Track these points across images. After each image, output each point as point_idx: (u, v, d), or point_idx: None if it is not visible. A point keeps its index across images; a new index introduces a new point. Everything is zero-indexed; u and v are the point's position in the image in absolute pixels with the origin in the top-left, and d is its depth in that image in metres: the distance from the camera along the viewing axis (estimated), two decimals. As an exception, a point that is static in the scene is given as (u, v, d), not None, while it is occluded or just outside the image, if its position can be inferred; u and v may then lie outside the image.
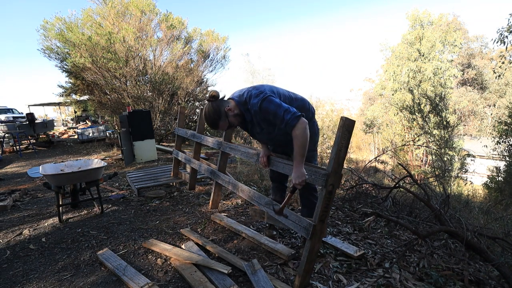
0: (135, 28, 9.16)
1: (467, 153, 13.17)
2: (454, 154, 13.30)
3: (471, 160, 13.14)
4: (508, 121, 9.01)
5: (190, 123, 12.25)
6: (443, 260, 2.24)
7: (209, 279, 1.91)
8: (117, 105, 9.81)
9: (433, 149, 11.46)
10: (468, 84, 25.81)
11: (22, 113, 16.01)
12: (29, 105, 19.33)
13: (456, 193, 7.28)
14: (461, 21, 24.80)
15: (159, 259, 2.25)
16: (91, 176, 3.22)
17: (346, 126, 1.59)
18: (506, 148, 9.02)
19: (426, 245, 2.38)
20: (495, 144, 9.48)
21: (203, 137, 3.53)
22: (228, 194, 3.93)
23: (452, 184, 9.66)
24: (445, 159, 12.25)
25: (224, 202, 3.62)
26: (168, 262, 2.19)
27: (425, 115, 13.48)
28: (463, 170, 13.17)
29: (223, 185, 3.03)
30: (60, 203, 3.13)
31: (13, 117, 13.61)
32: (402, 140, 14.66)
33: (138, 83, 9.61)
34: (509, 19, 7.83)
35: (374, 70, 49.57)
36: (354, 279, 1.96)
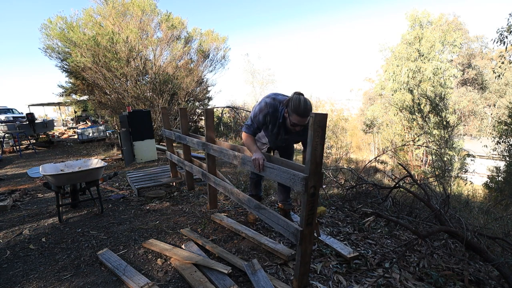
0: (136, 28, 9.17)
1: (467, 153, 13.16)
2: (454, 154, 13.28)
3: (471, 160, 13.13)
4: (508, 121, 9.01)
5: (190, 123, 12.25)
6: (443, 260, 2.24)
7: (209, 279, 1.91)
8: (117, 105, 9.80)
9: (433, 149, 11.46)
10: (468, 84, 25.81)
11: (22, 113, 15.98)
12: (29, 105, 19.30)
13: (456, 193, 7.28)
14: (461, 21, 24.83)
15: (159, 259, 2.25)
16: (91, 176, 3.22)
17: (318, 122, 1.47)
18: (506, 148, 9.01)
19: (426, 245, 2.38)
20: (495, 144, 9.47)
21: (187, 139, 3.45)
22: (228, 194, 3.93)
23: (452, 184, 9.65)
24: (445, 159, 12.24)
25: (224, 202, 3.62)
26: (168, 262, 2.19)
27: (425, 115, 13.48)
28: (463, 170, 13.16)
29: (214, 187, 2.99)
30: (60, 203, 3.13)
31: (13, 117, 13.59)
32: (402, 140, 14.64)
33: (138, 83, 9.62)
34: (508, 19, 7.83)
35: (374, 70, 49.58)
36: (354, 279, 1.96)
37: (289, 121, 2.06)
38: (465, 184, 10.21)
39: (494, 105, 25.03)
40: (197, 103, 12.92)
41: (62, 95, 12.65)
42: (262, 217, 2.08)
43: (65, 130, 16.28)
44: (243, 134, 2.24)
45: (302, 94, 2.04)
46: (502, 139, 9.10)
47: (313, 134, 1.48)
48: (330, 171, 4.80)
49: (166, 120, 4.27)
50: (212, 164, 3.11)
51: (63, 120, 21.45)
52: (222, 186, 2.77)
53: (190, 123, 12.26)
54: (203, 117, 13.83)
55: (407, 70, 15.57)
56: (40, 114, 23.10)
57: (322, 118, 1.48)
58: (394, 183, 3.33)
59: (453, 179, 10.61)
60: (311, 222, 1.65)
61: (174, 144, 4.58)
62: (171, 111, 9.97)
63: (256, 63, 46.11)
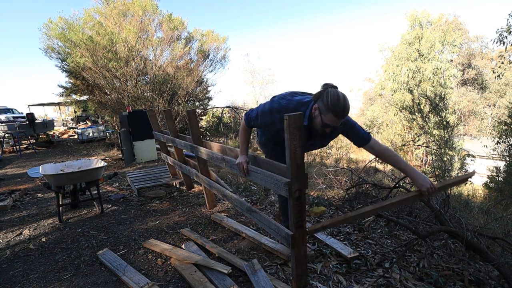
0: (136, 28, 9.17)
1: (467, 153, 13.15)
2: (454, 154, 13.29)
3: (471, 160, 13.11)
4: (508, 121, 9.00)
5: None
6: (443, 260, 2.24)
7: (209, 279, 1.91)
8: (117, 105, 9.81)
9: (433, 149, 11.45)
10: (468, 84, 25.81)
11: (22, 113, 15.97)
12: (29, 105, 19.30)
13: (456, 193, 7.26)
14: (461, 21, 24.84)
15: (159, 259, 2.26)
16: (91, 176, 3.22)
17: (293, 124, 1.39)
18: (506, 148, 9.00)
19: (426, 245, 2.38)
20: (495, 144, 9.47)
21: (176, 141, 3.39)
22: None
23: (452, 184, 9.62)
24: (445, 159, 12.23)
25: (224, 202, 3.62)
26: (168, 262, 2.19)
27: (425, 115, 13.48)
28: (463, 170, 13.15)
29: (209, 189, 2.95)
30: (60, 203, 3.13)
31: (13, 117, 13.59)
32: (402, 140, 14.65)
33: (138, 83, 9.62)
34: (508, 20, 7.84)
35: (374, 70, 49.48)
36: (354, 279, 1.96)
37: (319, 121, 1.60)
38: (465, 184, 10.20)
39: (494, 105, 25.02)
40: (197, 103, 12.93)
41: (62, 95, 12.66)
42: (254, 220, 2.05)
43: (65, 130, 16.29)
44: (241, 124, 2.03)
45: (336, 87, 1.58)
46: (502, 139, 9.09)
47: (289, 137, 1.40)
48: (330, 171, 4.80)
49: (154, 121, 4.18)
50: (204, 166, 3.04)
51: (63, 120, 21.45)
52: (215, 188, 2.71)
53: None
54: (202, 117, 13.85)
55: (407, 70, 15.59)
56: (40, 114, 23.08)
57: (297, 119, 1.40)
58: (394, 183, 3.33)
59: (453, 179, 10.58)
60: (301, 224, 1.61)
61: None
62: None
63: (256, 63, 46.20)
